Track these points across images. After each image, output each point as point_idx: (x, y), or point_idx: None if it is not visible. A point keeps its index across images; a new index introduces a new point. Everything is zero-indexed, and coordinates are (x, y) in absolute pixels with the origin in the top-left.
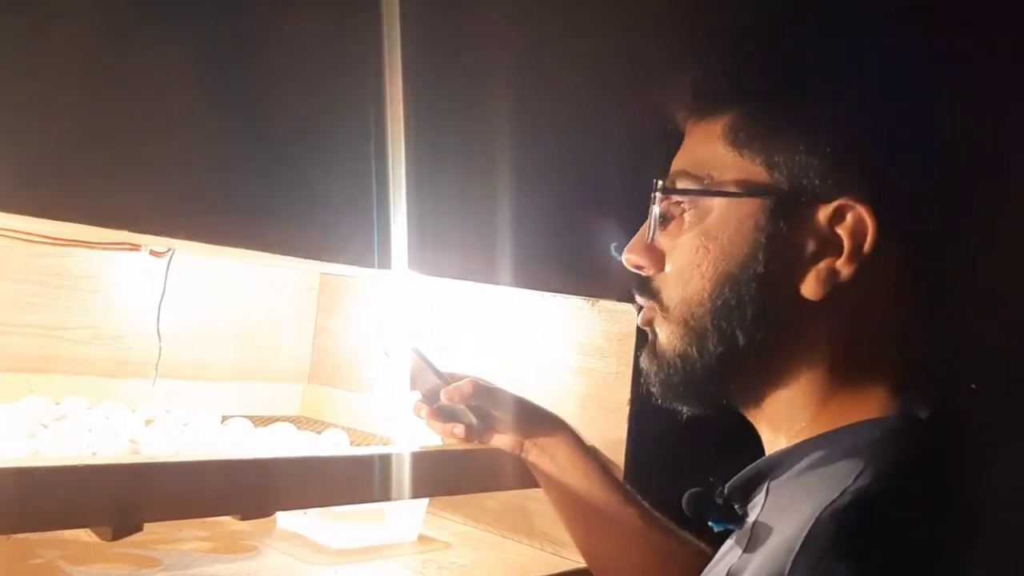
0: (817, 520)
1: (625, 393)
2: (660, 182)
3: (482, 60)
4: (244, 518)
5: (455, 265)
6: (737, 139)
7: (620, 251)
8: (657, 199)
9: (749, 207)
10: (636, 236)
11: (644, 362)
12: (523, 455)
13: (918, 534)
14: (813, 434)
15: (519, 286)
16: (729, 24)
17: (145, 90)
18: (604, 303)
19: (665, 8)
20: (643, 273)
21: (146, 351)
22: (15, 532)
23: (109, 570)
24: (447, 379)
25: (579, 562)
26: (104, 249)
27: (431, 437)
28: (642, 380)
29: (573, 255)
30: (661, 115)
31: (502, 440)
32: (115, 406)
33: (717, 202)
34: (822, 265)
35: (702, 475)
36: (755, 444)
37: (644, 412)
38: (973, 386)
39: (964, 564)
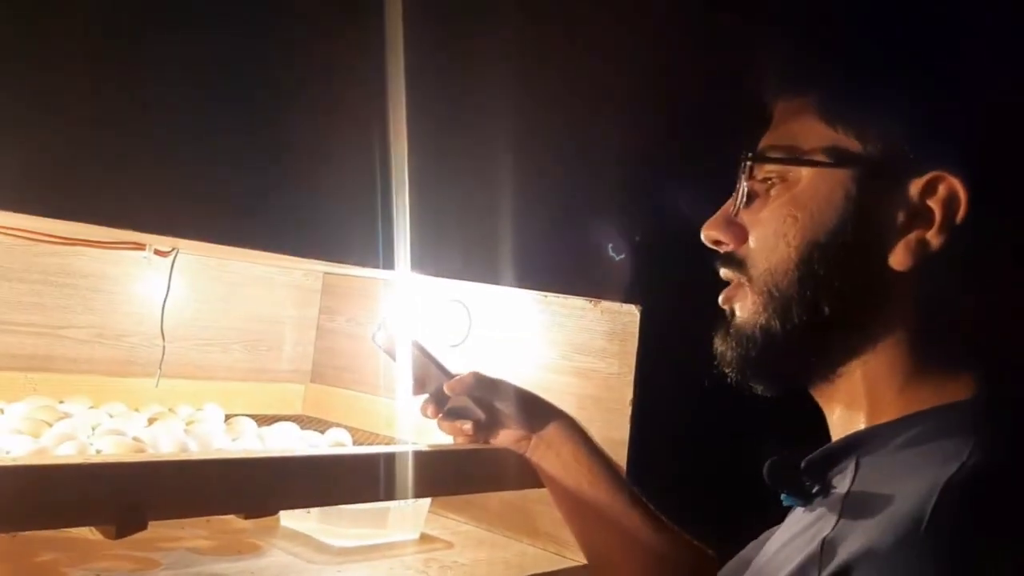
0: (942, 493)
1: (627, 394)
2: (750, 153)
3: (485, 62)
4: (247, 517)
5: (458, 265)
6: (829, 113)
7: (617, 252)
8: (747, 169)
9: (840, 177)
10: (718, 212)
11: (718, 344)
12: (529, 450)
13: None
14: (903, 412)
15: (521, 286)
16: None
17: (150, 90)
18: (606, 303)
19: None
20: (721, 249)
21: (150, 350)
22: (19, 530)
23: (112, 569)
24: (450, 373)
25: (580, 561)
26: (108, 248)
27: (438, 437)
28: (714, 363)
29: (575, 256)
30: (666, 117)
31: (508, 435)
32: (118, 405)
33: (806, 172)
34: (912, 236)
35: (704, 476)
36: (754, 443)
37: (646, 412)
38: None
39: None
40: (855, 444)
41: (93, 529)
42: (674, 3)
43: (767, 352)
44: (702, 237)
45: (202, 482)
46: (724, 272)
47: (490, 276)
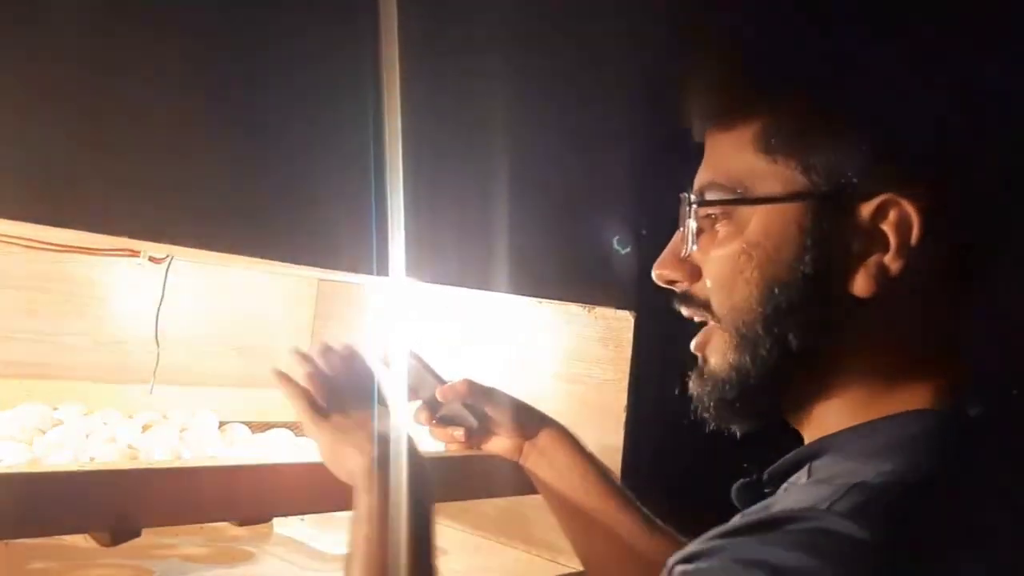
0: (850, 489)
1: (621, 400)
2: (691, 196)
3: (480, 67)
4: (241, 524)
5: (452, 272)
6: (769, 145)
7: (623, 244)
8: (692, 212)
9: (790, 211)
10: (666, 251)
11: (694, 387)
12: (522, 458)
13: (932, 528)
14: (858, 421)
15: (516, 293)
16: (743, 27)
17: (144, 98)
18: (600, 310)
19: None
20: (676, 288)
21: (144, 357)
22: (13, 538)
23: None
24: (443, 380)
25: (576, 568)
26: (103, 255)
27: (432, 443)
28: (692, 407)
29: (569, 262)
30: (666, 122)
31: (501, 442)
32: (113, 412)
33: (756, 210)
34: (871, 261)
35: (698, 481)
36: (755, 450)
37: (640, 419)
38: (1015, 392)
39: (975, 569)
40: (810, 453)
41: (87, 537)
42: (673, 4)
43: (742, 391)
44: (654, 277)
45: (196, 489)
46: (687, 312)
47: (484, 283)
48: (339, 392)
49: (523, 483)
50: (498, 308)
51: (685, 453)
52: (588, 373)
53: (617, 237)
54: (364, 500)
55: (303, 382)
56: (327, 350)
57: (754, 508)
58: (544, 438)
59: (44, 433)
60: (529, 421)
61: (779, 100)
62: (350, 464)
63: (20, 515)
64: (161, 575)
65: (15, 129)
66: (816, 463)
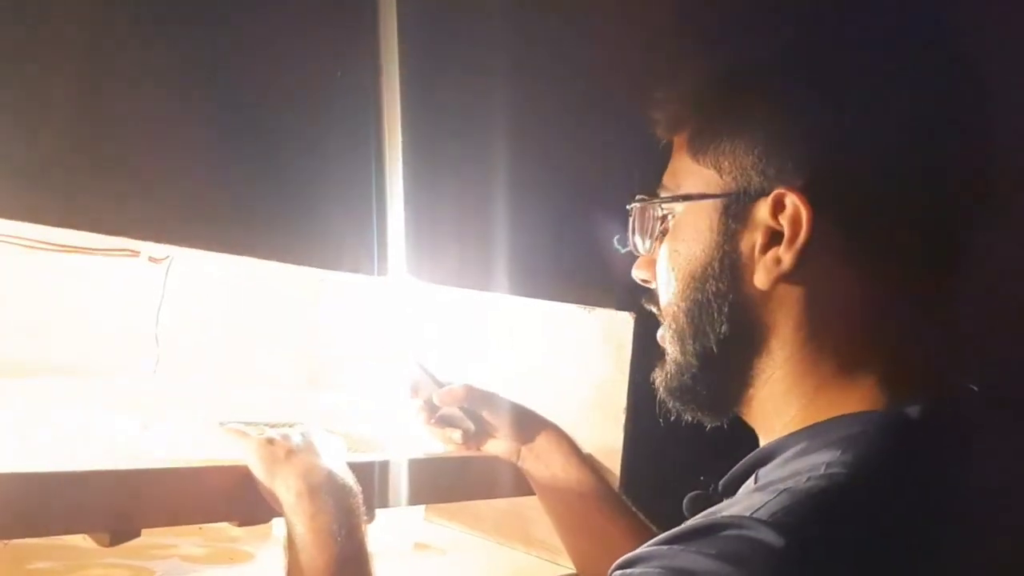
0: (775, 494)
1: (621, 400)
2: (638, 195)
3: (480, 68)
4: (241, 524)
5: (452, 272)
6: (693, 148)
7: (622, 244)
8: (637, 210)
9: (704, 209)
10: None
11: (656, 375)
12: (519, 461)
13: (866, 531)
14: (801, 426)
15: (516, 293)
16: (689, 38)
17: (144, 97)
18: (600, 310)
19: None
20: (650, 286)
21: (144, 357)
22: (11, 538)
23: None
24: (441, 383)
25: (574, 569)
26: (104, 255)
27: (431, 444)
28: (658, 399)
29: (569, 262)
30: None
31: (498, 446)
32: (112, 411)
33: (681, 207)
34: (768, 255)
35: (697, 483)
36: (750, 449)
37: (640, 420)
38: (974, 388)
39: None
40: (757, 462)
41: (86, 537)
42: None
43: (681, 382)
44: (633, 276)
45: (196, 489)
46: (652, 308)
47: (485, 283)
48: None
49: (522, 484)
50: (498, 309)
51: (685, 454)
52: (588, 373)
53: (617, 237)
54: (294, 530)
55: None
56: None
57: (699, 516)
58: (541, 442)
59: (42, 432)
60: (527, 426)
61: (701, 106)
62: (277, 494)
63: (18, 515)
64: (161, 575)
65: (15, 128)
66: (761, 470)
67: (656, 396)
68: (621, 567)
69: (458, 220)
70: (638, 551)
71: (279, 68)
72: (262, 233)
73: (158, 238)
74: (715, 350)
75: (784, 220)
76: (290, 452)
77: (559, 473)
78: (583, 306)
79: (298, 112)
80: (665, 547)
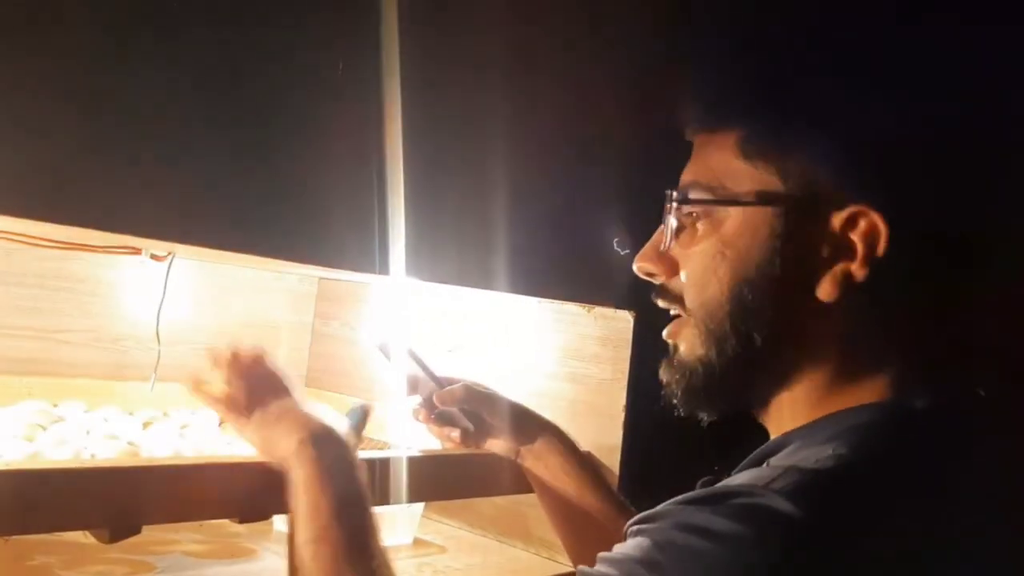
0: (782, 470)
1: (620, 399)
2: (674, 193)
3: (480, 67)
4: (242, 521)
5: (452, 270)
6: (750, 152)
7: (622, 246)
8: (673, 209)
9: (764, 215)
10: (647, 245)
11: (664, 374)
12: (518, 459)
13: (870, 506)
14: (811, 419)
15: (515, 292)
16: (731, 35)
17: (147, 96)
18: (599, 309)
19: (667, 19)
20: (654, 280)
21: (145, 354)
22: (12, 534)
23: (106, 573)
24: (442, 382)
25: (573, 567)
26: (105, 253)
27: (430, 441)
28: (663, 393)
29: (569, 261)
30: (661, 124)
31: (496, 446)
32: (114, 409)
33: (732, 211)
34: (837, 269)
35: (696, 482)
36: (750, 448)
37: (639, 418)
38: (981, 392)
39: (906, 558)
40: (768, 452)
41: (86, 533)
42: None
43: (708, 382)
44: (635, 269)
45: (197, 487)
46: (661, 303)
47: (484, 281)
48: (255, 391)
49: (521, 482)
50: (498, 307)
51: (683, 453)
52: (587, 373)
53: (616, 237)
54: (297, 474)
55: (220, 389)
56: (235, 357)
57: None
58: (539, 443)
59: (45, 430)
60: (525, 425)
61: (758, 108)
62: (279, 449)
63: (20, 511)
64: (163, 571)
65: (17, 126)
66: (772, 459)
67: (655, 394)
68: (639, 522)
69: (458, 218)
70: (656, 508)
71: (281, 67)
72: (262, 231)
73: (159, 236)
74: (758, 353)
75: (856, 236)
76: (285, 411)
77: (558, 472)
78: (582, 305)
79: (299, 110)
80: (676, 507)
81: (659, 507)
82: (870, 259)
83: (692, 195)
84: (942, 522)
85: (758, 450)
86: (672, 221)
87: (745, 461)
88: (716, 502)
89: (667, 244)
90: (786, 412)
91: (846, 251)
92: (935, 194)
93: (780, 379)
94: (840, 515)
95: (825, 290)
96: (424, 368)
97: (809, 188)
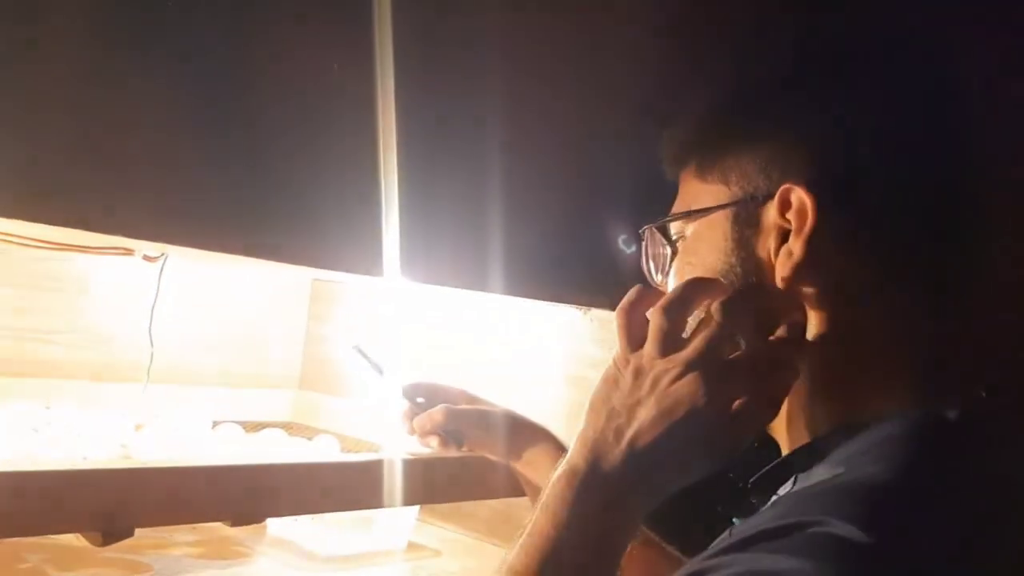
0: (836, 494)
1: None
2: (646, 225)
3: (476, 68)
4: (234, 524)
5: (448, 272)
6: (700, 171)
7: (628, 244)
8: (647, 238)
9: (716, 221)
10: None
11: None
12: (512, 465)
13: (928, 530)
14: (837, 423)
15: (511, 294)
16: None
17: (139, 96)
18: (596, 312)
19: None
20: None
21: (138, 355)
22: (4, 536)
23: (98, 575)
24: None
25: None
26: (97, 253)
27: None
28: None
29: (566, 263)
30: (660, 124)
31: (488, 454)
32: (106, 411)
33: (693, 225)
34: (781, 251)
35: (692, 487)
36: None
37: None
38: (983, 393)
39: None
40: (792, 462)
41: (79, 536)
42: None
43: None
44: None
45: (189, 489)
46: None
47: (480, 283)
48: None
49: (516, 485)
50: (494, 309)
51: None
52: (584, 375)
53: (615, 238)
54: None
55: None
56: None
57: (750, 521)
58: (532, 450)
59: (36, 431)
60: (516, 435)
61: (704, 134)
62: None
63: (11, 513)
64: (157, 574)
65: (10, 127)
66: (802, 473)
67: None
68: (696, 574)
69: (453, 219)
70: (711, 559)
71: (275, 67)
72: (257, 232)
73: (152, 237)
74: None
75: (792, 216)
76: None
77: (547, 479)
78: (578, 307)
79: (294, 110)
80: (734, 555)
81: (707, 559)
82: (803, 233)
83: (658, 223)
84: (1005, 535)
85: (782, 460)
86: (648, 250)
87: (767, 470)
88: (780, 539)
89: (655, 278)
90: (800, 419)
91: (788, 235)
92: (859, 168)
93: None
94: (913, 538)
95: (777, 276)
96: (373, 365)
97: (748, 185)
